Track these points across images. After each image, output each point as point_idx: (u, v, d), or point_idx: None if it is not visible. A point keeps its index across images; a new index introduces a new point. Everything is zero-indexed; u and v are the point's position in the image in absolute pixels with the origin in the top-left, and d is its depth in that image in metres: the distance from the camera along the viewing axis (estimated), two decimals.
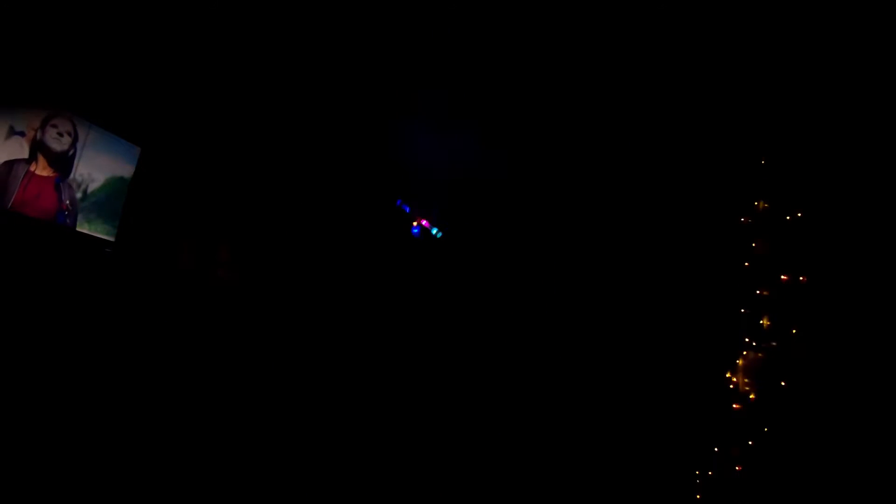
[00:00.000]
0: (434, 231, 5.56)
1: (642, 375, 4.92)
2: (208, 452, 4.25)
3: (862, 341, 4.16)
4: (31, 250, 3.89)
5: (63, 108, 3.96)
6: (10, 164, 3.73)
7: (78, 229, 4.20)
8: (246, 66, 4.14)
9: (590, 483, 4.55)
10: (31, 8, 3.41)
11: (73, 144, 4.06)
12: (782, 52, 4.43)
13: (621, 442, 4.70)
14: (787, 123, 4.73)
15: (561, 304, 5.40)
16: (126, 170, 4.44)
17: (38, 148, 3.86)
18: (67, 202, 4.08)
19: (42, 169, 3.90)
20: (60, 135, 3.96)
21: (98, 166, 4.25)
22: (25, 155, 3.82)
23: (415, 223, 5.50)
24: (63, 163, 4.03)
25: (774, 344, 4.45)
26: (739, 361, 4.52)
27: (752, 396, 4.36)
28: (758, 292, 4.62)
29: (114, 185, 4.38)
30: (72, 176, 4.11)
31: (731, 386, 4.46)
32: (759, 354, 4.46)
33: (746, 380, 4.44)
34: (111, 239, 4.42)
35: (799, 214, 4.64)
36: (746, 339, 4.54)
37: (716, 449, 4.27)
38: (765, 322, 4.54)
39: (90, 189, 4.23)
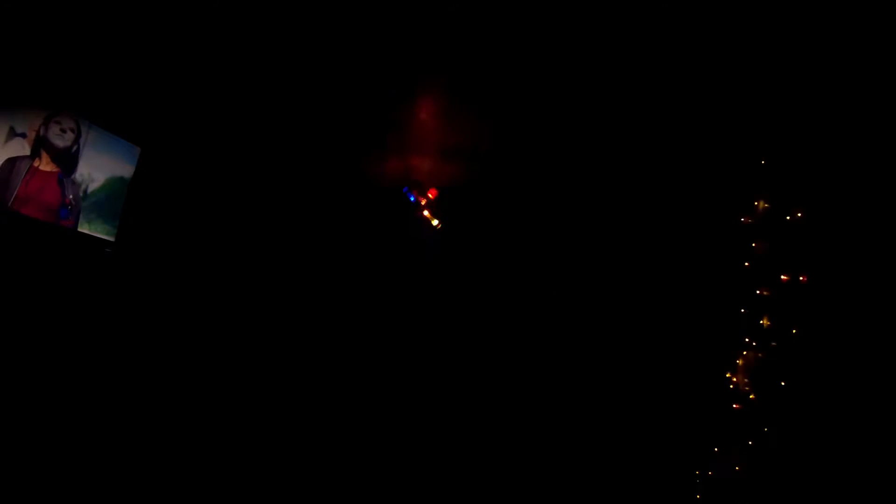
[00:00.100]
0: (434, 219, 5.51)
1: (642, 375, 4.91)
2: (208, 452, 4.26)
3: (862, 341, 4.14)
4: (31, 250, 3.91)
5: (63, 108, 3.98)
6: (13, 160, 3.78)
7: (78, 229, 4.22)
8: (246, 65, 4.15)
9: (590, 483, 4.54)
10: (31, 8, 3.42)
11: (77, 140, 4.09)
12: (782, 53, 4.43)
13: (621, 442, 4.69)
14: (787, 123, 4.72)
15: (561, 304, 5.39)
16: (126, 170, 4.46)
17: (41, 144, 3.90)
18: (70, 197, 4.10)
19: (45, 165, 3.94)
20: (63, 131, 3.99)
21: (98, 166, 4.27)
22: (28, 153, 3.86)
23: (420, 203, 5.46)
24: (66, 159, 4.06)
25: (774, 344, 4.43)
26: (739, 361, 4.51)
27: (752, 396, 4.34)
28: (758, 292, 4.62)
29: (114, 185, 4.40)
30: (76, 172, 4.13)
31: (731, 386, 4.45)
32: (759, 354, 4.45)
33: (746, 380, 4.43)
34: (111, 239, 4.44)
35: (799, 214, 4.63)
36: (746, 339, 4.53)
37: (716, 449, 4.26)
38: (765, 322, 4.53)
39: (90, 189, 4.25)
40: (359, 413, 4.93)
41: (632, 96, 4.85)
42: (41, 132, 3.88)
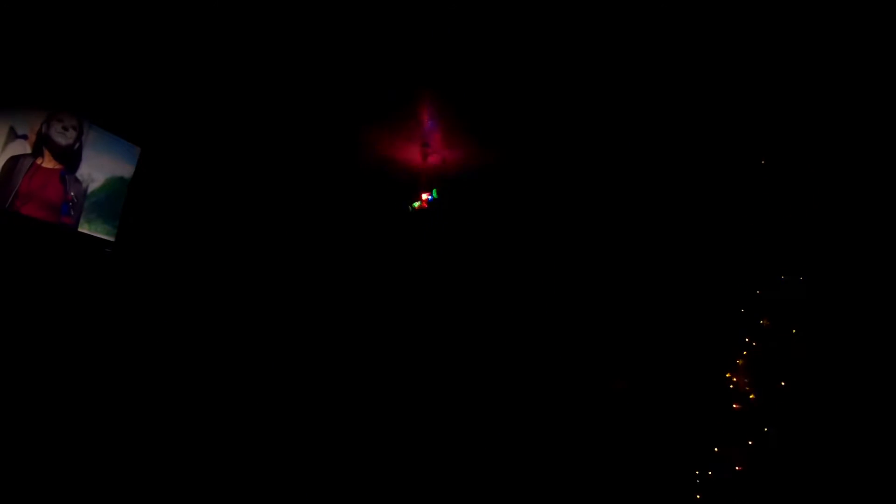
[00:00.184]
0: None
1: (642, 375, 4.91)
2: (208, 451, 4.25)
3: (862, 341, 4.13)
4: (31, 250, 3.92)
5: (63, 108, 3.99)
6: (16, 158, 3.83)
7: (78, 229, 4.22)
8: (245, 65, 4.16)
9: (590, 483, 4.53)
10: (31, 8, 3.43)
11: (79, 138, 4.11)
12: (782, 53, 4.43)
13: (621, 442, 4.68)
14: (787, 124, 4.72)
15: (561, 304, 5.40)
16: (126, 170, 4.48)
17: (43, 142, 3.93)
18: (72, 194, 4.11)
19: (48, 162, 3.98)
20: (65, 129, 4.01)
21: (98, 166, 4.29)
22: (30, 151, 3.90)
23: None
24: (69, 156, 4.09)
25: (774, 344, 4.43)
26: (739, 361, 4.50)
27: (751, 396, 4.33)
28: (758, 292, 4.61)
29: (114, 185, 4.41)
30: (79, 168, 4.15)
31: (731, 386, 4.44)
32: (759, 354, 4.44)
33: (746, 380, 4.42)
34: (111, 239, 4.45)
35: (799, 215, 4.63)
36: (746, 339, 4.53)
37: (716, 449, 4.25)
38: (765, 322, 4.52)
39: (90, 189, 4.27)
40: (358, 411, 4.93)
41: (631, 97, 4.86)
42: (43, 130, 3.91)
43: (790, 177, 4.72)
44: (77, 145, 4.13)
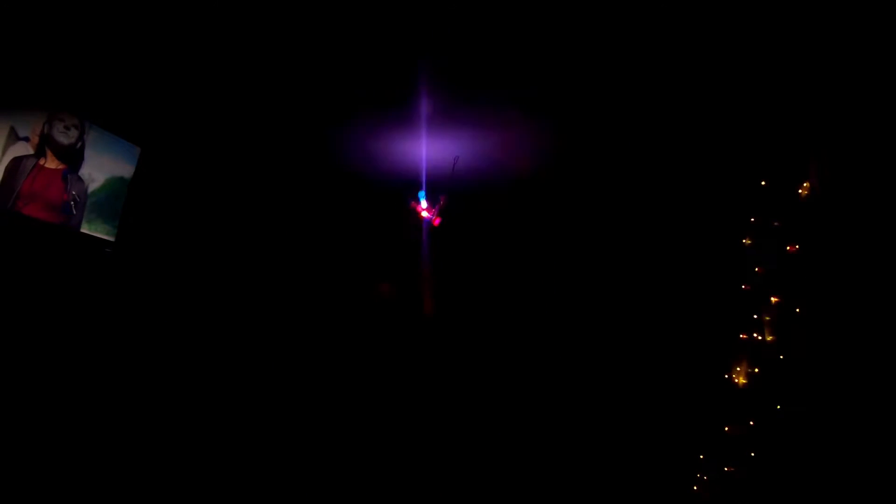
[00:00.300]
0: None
1: (642, 375, 4.90)
2: (208, 450, 4.26)
3: (862, 341, 4.12)
4: (32, 250, 3.93)
5: (64, 109, 4.01)
6: (19, 159, 3.89)
7: (80, 230, 4.24)
8: (245, 66, 4.17)
9: (590, 482, 4.52)
10: (31, 9, 3.45)
11: (81, 137, 4.13)
12: (782, 54, 4.43)
13: (621, 441, 4.67)
14: (787, 124, 4.72)
15: (562, 304, 5.40)
16: (126, 170, 4.50)
17: (46, 142, 3.95)
18: (75, 193, 4.13)
19: (50, 162, 4.02)
20: (67, 128, 4.05)
21: (98, 166, 4.31)
22: (33, 152, 3.95)
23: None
24: (72, 155, 4.13)
25: (774, 344, 4.41)
26: (739, 361, 4.49)
27: (751, 395, 4.32)
28: (757, 292, 4.60)
29: (114, 185, 4.43)
30: (81, 167, 4.16)
31: (731, 385, 4.43)
32: (759, 354, 4.43)
33: (746, 379, 4.41)
34: (111, 239, 4.47)
35: (798, 215, 4.62)
36: (746, 339, 4.52)
37: (715, 449, 4.24)
38: (765, 321, 4.51)
39: (91, 189, 4.28)
40: (358, 411, 4.93)
41: (631, 97, 4.86)
42: (45, 130, 3.94)
43: (790, 177, 4.72)
44: (79, 144, 4.15)
